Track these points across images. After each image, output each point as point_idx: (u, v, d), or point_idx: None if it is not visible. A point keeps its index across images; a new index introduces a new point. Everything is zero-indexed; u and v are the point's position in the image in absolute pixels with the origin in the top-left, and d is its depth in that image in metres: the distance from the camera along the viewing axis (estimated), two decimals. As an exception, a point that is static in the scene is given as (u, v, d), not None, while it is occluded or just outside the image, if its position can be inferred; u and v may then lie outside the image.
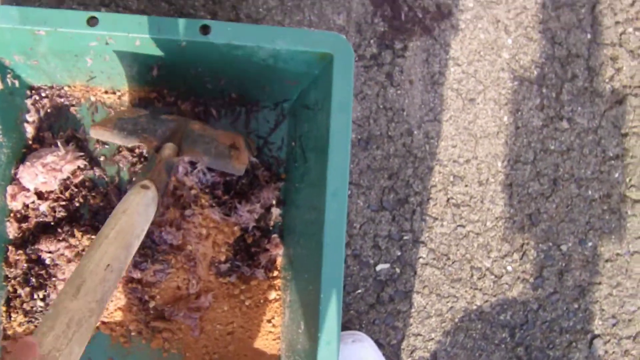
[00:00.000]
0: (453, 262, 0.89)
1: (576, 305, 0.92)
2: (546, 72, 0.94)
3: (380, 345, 0.86)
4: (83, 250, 0.77)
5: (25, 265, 0.78)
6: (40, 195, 0.79)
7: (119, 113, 0.77)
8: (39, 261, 0.78)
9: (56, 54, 0.71)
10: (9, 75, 0.75)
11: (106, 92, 0.83)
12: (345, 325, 0.85)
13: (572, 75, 0.95)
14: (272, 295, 0.82)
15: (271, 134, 0.85)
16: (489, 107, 0.92)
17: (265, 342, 0.82)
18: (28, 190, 0.78)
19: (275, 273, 0.83)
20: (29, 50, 0.70)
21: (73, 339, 0.48)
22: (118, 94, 0.83)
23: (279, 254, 0.83)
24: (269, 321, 0.82)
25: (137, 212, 0.60)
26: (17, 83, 0.77)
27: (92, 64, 0.74)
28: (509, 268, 0.91)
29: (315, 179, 0.69)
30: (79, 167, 0.80)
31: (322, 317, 0.63)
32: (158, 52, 0.69)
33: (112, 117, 0.75)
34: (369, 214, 0.88)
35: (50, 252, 0.78)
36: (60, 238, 0.77)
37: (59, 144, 0.80)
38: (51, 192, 0.79)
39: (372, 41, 0.90)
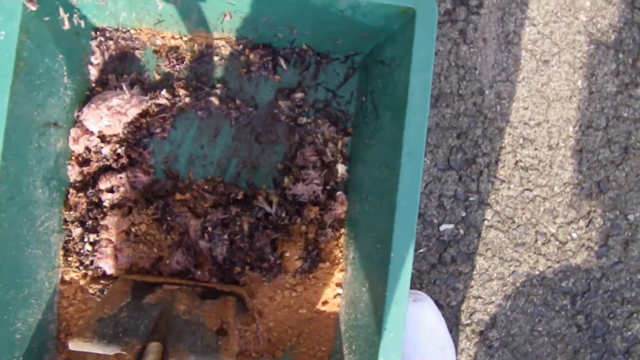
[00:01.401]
0: (518, 226, 0.88)
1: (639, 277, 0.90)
2: (624, 37, 0.91)
3: (439, 306, 0.86)
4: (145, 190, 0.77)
5: (85, 208, 0.77)
6: (103, 138, 0.78)
7: (99, 307, 0.71)
8: (98, 204, 0.78)
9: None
10: (75, 15, 0.73)
11: (173, 37, 0.82)
12: (407, 284, 0.84)
13: (651, 40, 0.91)
14: (336, 252, 0.81)
15: (340, 87, 0.83)
16: (563, 70, 0.89)
17: (326, 298, 0.82)
18: (91, 133, 0.77)
19: (342, 231, 0.81)
20: (97, -12, 0.68)
21: None
22: (185, 39, 0.82)
23: (344, 211, 0.81)
24: (332, 281, 0.82)
25: None
26: (82, 24, 0.75)
27: (163, 7, 0.72)
28: (574, 235, 0.89)
29: (389, 136, 0.68)
30: (143, 111, 0.79)
31: (392, 277, 0.62)
32: (231, -2, 0.67)
33: (91, 318, 0.69)
34: (435, 172, 0.86)
35: (110, 192, 0.77)
36: (122, 176, 0.77)
37: (124, 86, 0.78)
38: (114, 135, 0.78)
39: (446, -4, 0.87)
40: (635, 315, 0.90)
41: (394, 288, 0.62)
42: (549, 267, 0.88)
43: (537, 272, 0.88)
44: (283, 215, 0.79)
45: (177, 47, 0.82)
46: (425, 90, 0.62)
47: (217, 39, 0.82)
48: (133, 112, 0.77)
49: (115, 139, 0.78)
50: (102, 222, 0.77)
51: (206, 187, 0.80)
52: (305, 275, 0.80)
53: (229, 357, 0.67)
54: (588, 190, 0.89)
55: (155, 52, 0.82)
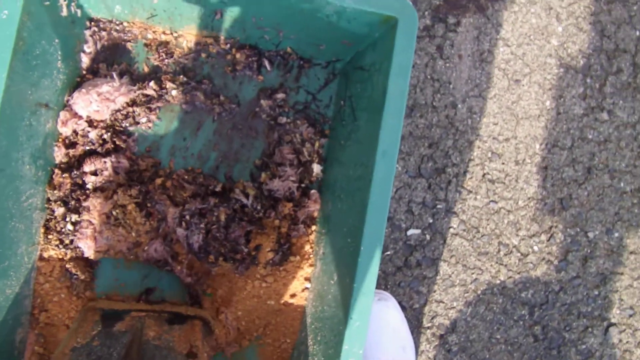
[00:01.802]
0: (482, 236, 0.91)
1: (596, 292, 0.94)
2: (592, 63, 0.96)
3: (403, 307, 0.89)
4: (129, 173, 0.80)
5: (69, 188, 0.80)
6: (90, 123, 0.81)
7: (71, 337, 0.71)
8: (82, 186, 0.80)
9: (122, -17, 0.73)
10: (73, 4, 0.76)
11: (164, 32, 0.86)
12: (372, 284, 0.88)
13: (618, 69, 0.96)
14: (307, 247, 0.84)
15: (320, 91, 0.87)
16: (533, 90, 0.94)
17: (294, 291, 0.84)
18: (79, 117, 0.80)
19: (314, 228, 0.85)
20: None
21: None
22: (175, 34, 0.86)
23: (317, 209, 0.85)
24: (300, 275, 0.85)
25: None
26: (79, 13, 0.78)
27: (157, 2, 0.76)
28: (535, 248, 0.93)
29: (365, 137, 0.71)
30: (131, 100, 0.82)
31: (361, 269, 0.65)
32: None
33: (65, 348, 0.69)
34: (406, 179, 0.90)
35: (94, 174, 0.80)
36: (106, 160, 0.80)
37: (114, 75, 0.82)
38: (102, 121, 0.81)
39: (426, 13, 0.92)
40: (590, 329, 0.94)
41: (362, 279, 0.65)
42: (510, 277, 0.92)
43: (498, 282, 0.92)
44: (258, 208, 0.82)
45: (167, 42, 0.86)
46: (402, 94, 0.66)
47: (206, 37, 0.86)
48: (121, 100, 0.81)
49: (102, 124, 0.82)
50: (84, 204, 0.80)
51: (186, 177, 0.83)
52: (276, 267, 0.83)
53: None
54: (551, 206, 0.93)
55: (146, 45, 0.85)
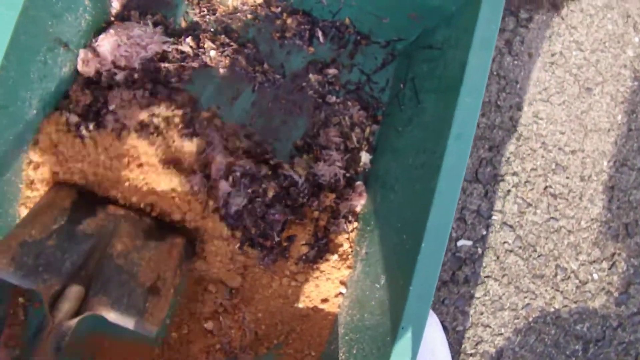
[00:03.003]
0: (539, 256, 0.81)
1: (657, 333, 0.84)
2: (668, 80, 0.88)
3: (444, 328, 0.78)
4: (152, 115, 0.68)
5: (90, 100, 0.69)
6: (118, 66, 0.70)
7: (25, 226, 0.61)
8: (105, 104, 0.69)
9: None
10: None
11: (207, -11, 0.75)
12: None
13: (694, 88, 0.88)
14: (346, 246, 0.73)
15: (376, 72, 0.78)
16: (604, 100, 0.85)
17: (327, 295, 0.73)
18: (104, 59, 0.69)
19: (355, 225, 0.74)
20: None
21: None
22: (220, -8, 0.75)
23: (361, 203, 0.74)
24: (336, 277, 0.73)
25: None
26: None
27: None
28: (595, 276, 0.82)
29: (432, 121, 0.63)
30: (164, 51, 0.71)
31: (420, 269, 0.55)
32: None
33: (14, 237, 0.59)
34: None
35: (121, 100, 0.68)
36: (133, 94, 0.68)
37: (148, 22, 0.71)
38: (130, 68, 0.70)
39: (496, 4, 0.83)
40: (647, 374, 0.83)
41: (421, 281, 0.55)
42: (565, 305, 0.81)
43: (552, 309, 0.81)
44: (306, 191, 0.71)
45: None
46: (484, 71, 0.57)
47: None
48: (153, 49, 0.70)
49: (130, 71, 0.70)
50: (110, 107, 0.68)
51: (241, 131, 0.72)
52: (309, 265, 0.71)
53: (152, 325, 0.59)
54: (615, 230, 0.84)
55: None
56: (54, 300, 0.56)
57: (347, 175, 0.74)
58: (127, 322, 0.58)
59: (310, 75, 0.76)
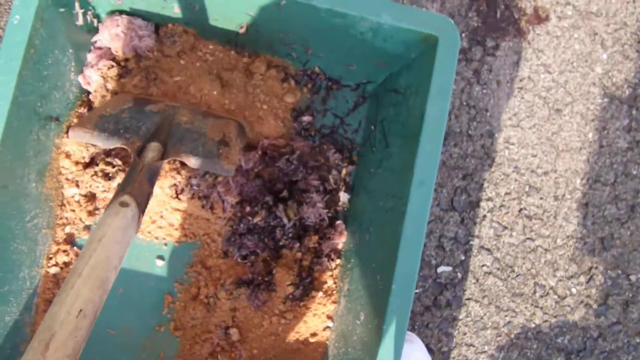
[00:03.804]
0: (517, 275, 0.85)
1: (638, 340, 0.87)
2: (638, 93, 0.90)
3: (430, 350, 0.82)
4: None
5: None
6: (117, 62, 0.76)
7: (100, 108, 0.70)
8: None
9: (144, -3, 0.68)
10: (89, 13, 0.72)
11: (185, 48, 0.80)
12: (399, 324, 0.81)
13: (665, 100, 0.91)
14: (330, 282, 0.78)
15: (348, 115, 0.82)
16: (575, 120, 0.88)
17: (315, 329, 0.78)
18: (108, 53, 0.76)
19: (338, 261, 0.79)
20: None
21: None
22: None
23: (342, 241, 0.79)
24: (322, 312, 0.78)
25: (114, 239, 0.53)
26: (95, 22, 0.74)
27: (179, 12, 0.71)
28: (574, 290, 0.86)
29: (398, 165, 0.66)
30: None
31: (391, 310, 0.60)
32: (252, 8, 0.66)
33: (92, 114, 0.69)
34: (437, 212, 0.84)
35: None
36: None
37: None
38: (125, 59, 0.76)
39: (463, 35, 0.87)
40: (630, 380, 0.87)
41: (392, 321, 0.60)
42: (546, 320, 0.85)
43: (533, 325, 0.85)
44: (290, 234, 0.76)
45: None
46: (442, 119, 0.61)
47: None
48: (147, 42, 0.75)
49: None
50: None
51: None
52: (296, 302, 0.77)
53: (229, 164, 0.66)
54: (591, 245, 0.87)
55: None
56: (138, 154, 0.64)
57: (329, 215, 0.79)
58: (206, 164, 0.66)
59: (287, 124, 0.80)
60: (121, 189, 0.57)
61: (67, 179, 0.75)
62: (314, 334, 0.78)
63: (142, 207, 0.57)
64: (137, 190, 0.58)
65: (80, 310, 0.47)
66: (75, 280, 0.49)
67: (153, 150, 0.64)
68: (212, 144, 0.67)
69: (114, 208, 0.55)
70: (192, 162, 0.65)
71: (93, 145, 0.73)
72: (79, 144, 0.74)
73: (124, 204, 0.55)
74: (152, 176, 0.61)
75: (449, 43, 0.62)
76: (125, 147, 0.64)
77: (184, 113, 0.71)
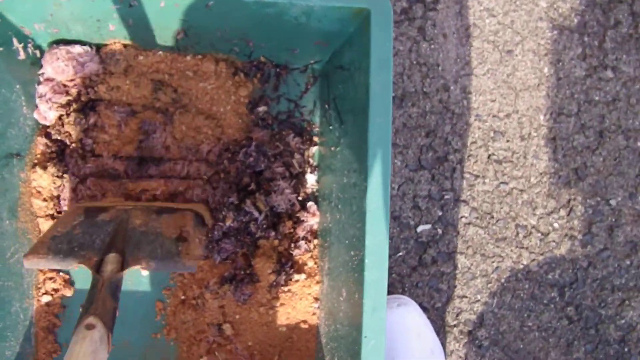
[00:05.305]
0: (497, 221, 0.86)
1: (628, 262, 0.88)
2: (587, 19, 0.89)
3: (424, 309, 0.84)
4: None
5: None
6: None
7: (52, 229, 0.69)
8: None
9: (78, 19, 0.69)
10: (30, 45, 0.73)
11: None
12: (389, 290, 0.82)
13: (615, 21, 0.90)
14: (311, 264, 0.80)
15: (302, 97, 0.83)
16: (527, 58, 0.88)
17: (304, 312, 0.80)
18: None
19: (316, 242, 0.80)
20: (50, 17, 0.68)
21: None
22: (142, 58, 0.81)
23: (316, 222, 0.80)
24: (308, 293, 0.80)
25: None
26: (37, 53, 0.75)
27: (115, 29, 0.72)
28: (556, 225, 0.87)
29: (354, 141, 0.66)
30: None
31: (368, 283, 0.61)
32: (184, 14, 0.66)
33: (44, 237, 0.67)
34: (407, 173, 0.85)
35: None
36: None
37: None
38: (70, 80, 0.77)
39: (401, -4, 0.87)
40: (627, 302, 0.88)
41: (371, 294, 0.60)
42: (533, 260, 0.86)
43: (521, 266, 0.86)
44: (264, 225, 0.78)
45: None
46: (386, 91, 0.61)
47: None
48: (91, 67, 0.76)
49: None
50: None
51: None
52: (281, 289, 0.78)
53: (190, 261, 0.65)
54: (566, 178, 0.87)
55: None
56: (97, 269, 0.62)
57: (299, 199, 0.81)
58: (168, 265, 0.65)
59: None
60: (85, 311, 0.56)
61: (41, 216, 0.77)
62: (304, 317, 0.80)
63: (109, 325, 0.56)
64: (101, 308, 0.57)
65: None
66: None
67: (112, 262, 0.63)
68: (170, 243, 0.67)
69: (80, 333, 0.54)
70: (153, 266, 0.64)
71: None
72: (47, 179, 0.76)
73: (89, 327, 0.54)
74: (115, 290, 0.60)
75: (382, 13, 0.61)
76: (83, 264, 0.63)
77: (137, 215, 0.70)
